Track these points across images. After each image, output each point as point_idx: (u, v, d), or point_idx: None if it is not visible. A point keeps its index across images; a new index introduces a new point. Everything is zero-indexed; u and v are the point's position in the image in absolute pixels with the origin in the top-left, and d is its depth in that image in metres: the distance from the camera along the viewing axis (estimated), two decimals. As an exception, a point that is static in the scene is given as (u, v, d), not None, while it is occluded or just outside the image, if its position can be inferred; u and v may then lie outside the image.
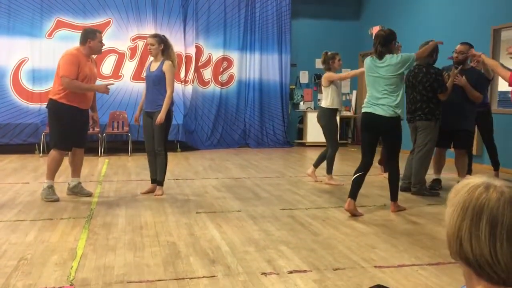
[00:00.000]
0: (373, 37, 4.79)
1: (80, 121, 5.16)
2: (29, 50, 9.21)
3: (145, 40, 9.78)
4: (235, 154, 9.31)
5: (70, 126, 5.05)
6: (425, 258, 3.52)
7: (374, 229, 4.26)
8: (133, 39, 9.73)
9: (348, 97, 11.67)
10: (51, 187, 5.11)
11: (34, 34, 9.18)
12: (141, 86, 9.81)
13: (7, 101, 9.05)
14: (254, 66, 10.68)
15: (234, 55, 10.53)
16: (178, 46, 10.08)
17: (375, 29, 10.81)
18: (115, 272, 3.13)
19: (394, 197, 4.86)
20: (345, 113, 11.33)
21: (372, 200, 5.39)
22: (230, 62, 10.54)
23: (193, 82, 10.14)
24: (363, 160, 4.76)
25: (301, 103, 11.23)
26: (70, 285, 2.92)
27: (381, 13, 10.77)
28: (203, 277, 3.08)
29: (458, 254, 1.03)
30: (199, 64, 10.29)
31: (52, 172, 5.13)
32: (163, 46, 5.34)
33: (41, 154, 8.53)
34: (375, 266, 3.31)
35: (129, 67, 9.75)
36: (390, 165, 4.90)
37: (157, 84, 5.29)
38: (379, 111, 4.64)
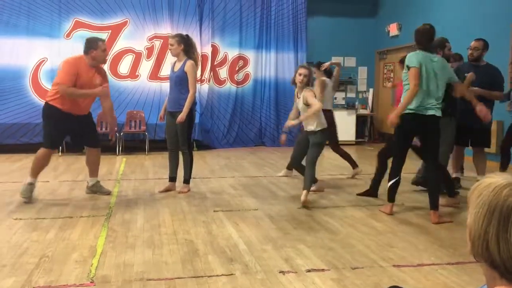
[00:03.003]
0: (417, 33, 4.63)
1: (72, 124, 5.11)
2: (48, 51, 9.34)
3: (161, 40, 9.95)
4: (251, 153, 9.32)
5: (56, 128, 5.06)
6: (444, 257, 3.48)
7: (392, 228, 4.23)
8: (150, 39, 9.79)
9: (364, 95, 11.60)
10: (31, 184, 5.06)
11: (52, 34, 9.31)
12: (158, 86, 9.90)
13: (26, 100, 9.19)
14: (270, 65, 10.67)
15: (250, 54, 10.53)
16: (194, 45, 10.14)
17: (392, 27, 10.72)
18: (134, 269, 3.17)
19: (434, 206, 4.44)
20: (362, 111, 11.26)
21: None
22: (246, 61, 10.55)
23: (209, 81, 10.17)
24: (401, 161, 4.61)
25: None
26: (91, 282, 2.96)
27: (398, 10, 10.68)
28: (222, 275, 3.09)
29: (482, 256, 1.02)
30: (215, 63, 10.32)
31: (36, 170, 5.09)
32: (183, 46, 5.35)
33: (60, 153, 8.64)
34: (393, 265, 3.29)
35: (146, 66, 9.82)
36: (430, 170, 4.63)
37: (178, 84, 5.32)
38: (438, 112, 4.46)
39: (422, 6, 9.73)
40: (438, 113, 4.45)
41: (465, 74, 5.44)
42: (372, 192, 5.39)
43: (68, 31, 9.43)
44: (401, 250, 3.61)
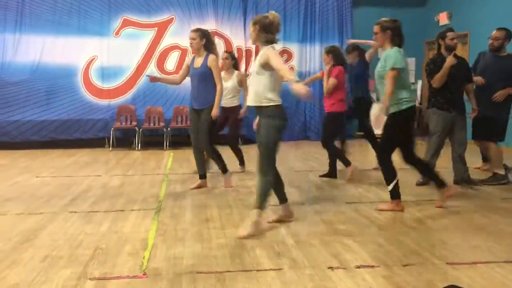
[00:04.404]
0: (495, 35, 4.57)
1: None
2: (98, 49, 9.65)
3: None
4: (296, 147, 9.28)
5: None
6: (501, 254, 3.34)
7: (444, 224, 4.10)
8: (195, 35, 9.91)
9: (412, 87, 11.26)
10: None
11: (102, 33, 9.61)
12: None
13: (78, 97, 9.54)
14: (315, 58, 10.56)
15: (294, 47, 10.46)
16: (238, 40, 10.20)
17: (442, 16, 10.35)
18: (184, 262, 3.23)
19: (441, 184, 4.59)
20: (410, 104, 10.94)
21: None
22: (290, 55, 10.49)
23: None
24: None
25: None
26: (143, 274, 3.04)
27: (448, -2, 10.30)
28: (270, 269, 3.10)
29: None
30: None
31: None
32: (205, 41, 5.27)
33: (110, 148, 8.92)
34: (447, 263, 3.19)
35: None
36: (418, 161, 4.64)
37: (203, 80, 5.21)
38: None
39: (474, -7, 9.33)
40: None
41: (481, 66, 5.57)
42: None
43: (117, 29, 9.70)
44: (454, 247, 3.50)
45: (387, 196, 5.13)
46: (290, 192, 5.31)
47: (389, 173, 4.49)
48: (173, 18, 9.89)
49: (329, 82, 5.83)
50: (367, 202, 4.86)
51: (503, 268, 3.10)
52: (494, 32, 5.60)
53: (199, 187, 5.55)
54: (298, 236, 3.78)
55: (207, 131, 5.30)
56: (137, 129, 9.10)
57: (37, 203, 4.90)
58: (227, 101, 6.44)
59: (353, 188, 5.54)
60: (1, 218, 4.34)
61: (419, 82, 11.21)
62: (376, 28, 4.49)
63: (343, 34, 10.57)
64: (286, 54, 10.44)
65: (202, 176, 5.58)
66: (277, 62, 3.71)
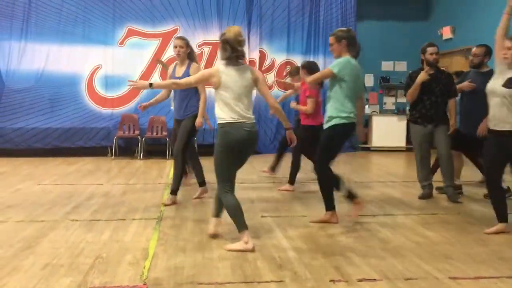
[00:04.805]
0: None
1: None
2: (102, 58, 9.70)
3: (211, 46, 10.10)
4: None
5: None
6: (504, 270, 3.32)
7: (447, 238, 4.07)
8: (199, 45, 9.97)
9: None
10: None
11: (107, 42, 9.67)
12: (206, 92, 10.00)
13: (82, 106, 9.58)
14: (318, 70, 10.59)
15: (298, 59, 10.48)
16: (242, 51, 10.22)
17: (445, 30, 10.39)
18: (185, 272, 3.21)
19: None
20: (412, 117, 10.97)
21: (444, 207, 5.17)
22: (293, 66, 10.51)
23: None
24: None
25: (366, 106, 11.00)
26: (143, 284, 3.02)
27: (451, 12, 10.35)
28: (271, 281, 3.08)
29: None
30: (263, 68, 10.36)
31: None
32: (189, 49, 5.24)
33: (113, 157, 8.93)
34: (450, 277, 3.16)
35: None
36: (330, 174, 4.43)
37: (185, 89, 5.02)
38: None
39: (476, 7, 9.37)
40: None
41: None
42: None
43: (122, 38, 9.76)
44: (457, 261, 3.47)
45: (390, 209, 5.12)
46: (293, 203, 5.30)
47: (327, 183, 4.40)
48: (177, 28, 9.95)
49: (308, 105, 5.72)
50: (370, 215, 4.84)
51: (506, 283, 3.08)
52: (474, 49, 5.68)
53: (201, 195, 5.53)
54: (299, 248, 3.76)
55: (185, 139, 5.17)
56: (139, 138, 9.11)
57: (39, 210, 4.90)
58: None
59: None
60: (3, 225, 4.33)
61: (422, 96, 11.22)
62: (331, 39, 4.46)
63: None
64: (289, 66, 10.47)
65: (202, 184, 5.55)
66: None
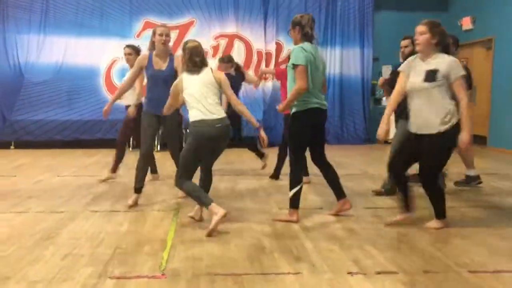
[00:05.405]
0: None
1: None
2: (119, 50, 9.73)
3: (227, 38, 10.09)
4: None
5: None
6: (525, 264, 3.27)
7: (467, 231, 4.03)
8: (216, 38, 9.98)
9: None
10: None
11: (124, 35, 9.72)
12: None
13: (100, 98, 9.67)
14: (335, 61, 10.53)
15: (314, 51, 10.43)
16: (258, 43, 10.22)
17: (465, 21, 10.21)
18: (203, 264, 3.23)
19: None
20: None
21: (463, 200, 5.11)
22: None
23: (273, 79, 10.19)
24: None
25: (384, 98, 10.89)
26: (162, 274, 3.05)
27: (471, 2, 10.16)
28: (288, 273, 3.08)
29: None
30: (279, 60, 10.33)
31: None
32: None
33: (131, 149, 9.00)
34: (469, 271, 3.13)
35: (211, 65, 10.00)
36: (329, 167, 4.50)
37: (169, 83, 4.43)
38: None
39: (498, -3, 9.19)
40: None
41: None
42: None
43: (139, 31, 9.81)
44: (476, 255, 3.43)
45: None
46: (310, 196, 5.29)
47: (295, 178, 4.27)
48: (194, 20, 9.96)
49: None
50: (388, 207, 4.80)
51: (527, 278, 3.04)
52: (402, 42, 5.44)
53: (134, 204, 4.79)
54: (317, 240, 3.76)
55: (178, 136, 5.04)
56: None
57: (59, 201, 4.98)
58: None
59: (373, 193, 5.48)
60: (23, 216, 4.41)
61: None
62: (290, 26, 4.37)
63: (364, 38, 10.52)
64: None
65: (138, 190, 4.84)
66: None
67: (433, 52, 3.91)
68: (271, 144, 9.85)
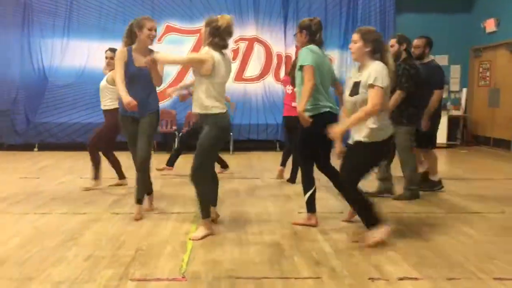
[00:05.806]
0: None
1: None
2: (141, 54, 9.87)
3: (247, 42, 10.11)
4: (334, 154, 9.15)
5: None
6: (553, 272, 3.18)
7: (492, 237, 3.94)
8: (236, 41, 9.99)
9: (457, 95, 10.98)
10: None
11: (146, 39, 9.81)
12: (242, 87, 10.02)
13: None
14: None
15: (335, 54, 10.37)
16: (278, 46, 10.21)
17: (489, 23, 10.03)
18: (223, 267, 3.23)
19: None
20: (454, 112, 10.67)
21: (488, 206, 5.00)
22: (330, 61, 10.42)
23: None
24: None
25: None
26: (182, 277, 3.06)
27: (495, 4, 9.97)
28: (308, 277, 3.06)
29: None
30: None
31: None
32: None
33: (152, 152, 9.07)
34: (494, 278, 3.06)
35: (232, 68, 10.04)
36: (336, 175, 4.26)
37: (150, 81, 4.30)
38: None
39: (524, -2, 9.01)
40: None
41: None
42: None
43: (160, 35, 9.89)
44: (502, 262, 3.35)
45: (431, 207, 4.99)
46: (329, 200, 5.25)
47: (307, 182, 4.23)
48: (214, 24, 10.00)
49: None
50: (411, 212, 4.73)
51: (556, 286, 2.95)
52: (415, 41, 5.65)
53: (140, 216, 4.48)
54: (337, 245, 3.72)
55: (152, 138, 4.63)
56: (176, 133, 9.23)
57: (81, 203, 5.04)
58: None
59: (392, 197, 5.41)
60: (47, 217, 4.48)
61: (464, 90, 10.90)
62: (297, 30, 4.30)
63: (386, 40, 10.41)
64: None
65: (139, 201, 4.55)
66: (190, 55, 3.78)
67: (368, 61, 3.70)
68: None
